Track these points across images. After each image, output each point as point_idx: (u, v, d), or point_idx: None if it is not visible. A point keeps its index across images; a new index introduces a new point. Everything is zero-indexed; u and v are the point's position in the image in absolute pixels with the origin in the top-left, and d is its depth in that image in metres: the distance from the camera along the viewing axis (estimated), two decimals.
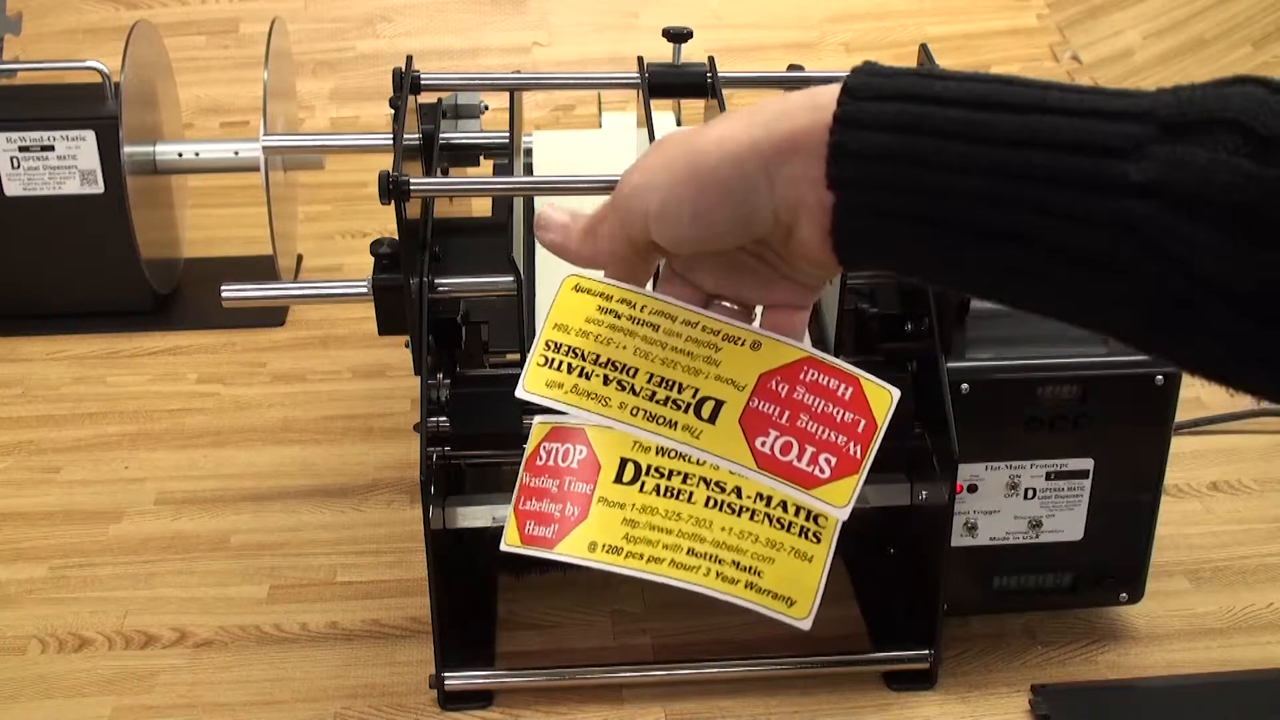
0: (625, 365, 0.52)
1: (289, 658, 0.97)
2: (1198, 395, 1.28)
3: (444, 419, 0.89)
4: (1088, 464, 0.91)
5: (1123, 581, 0.95)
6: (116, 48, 1.34)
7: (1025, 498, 0.91)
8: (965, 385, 0.87)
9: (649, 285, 0.54)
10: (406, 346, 0.90)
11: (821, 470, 0.52)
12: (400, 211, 0.83)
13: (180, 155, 1.40)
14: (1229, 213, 0.38)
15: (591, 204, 1.09)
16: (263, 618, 1.01)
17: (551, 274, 1.00)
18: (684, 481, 0.52)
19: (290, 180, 1.44)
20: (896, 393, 0.52)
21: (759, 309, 0.53)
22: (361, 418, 1.26)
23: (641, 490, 0.51)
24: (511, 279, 0.88)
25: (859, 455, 0.52)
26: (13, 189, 1.34)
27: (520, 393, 0.52)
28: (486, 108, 1.13)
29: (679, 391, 0.52)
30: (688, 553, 0.50)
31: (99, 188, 1.35)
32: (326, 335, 1.40)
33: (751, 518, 0.51)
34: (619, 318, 0.53)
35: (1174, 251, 0.39)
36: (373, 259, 0.91)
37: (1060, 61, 1.98)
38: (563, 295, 0.54)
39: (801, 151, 0.45)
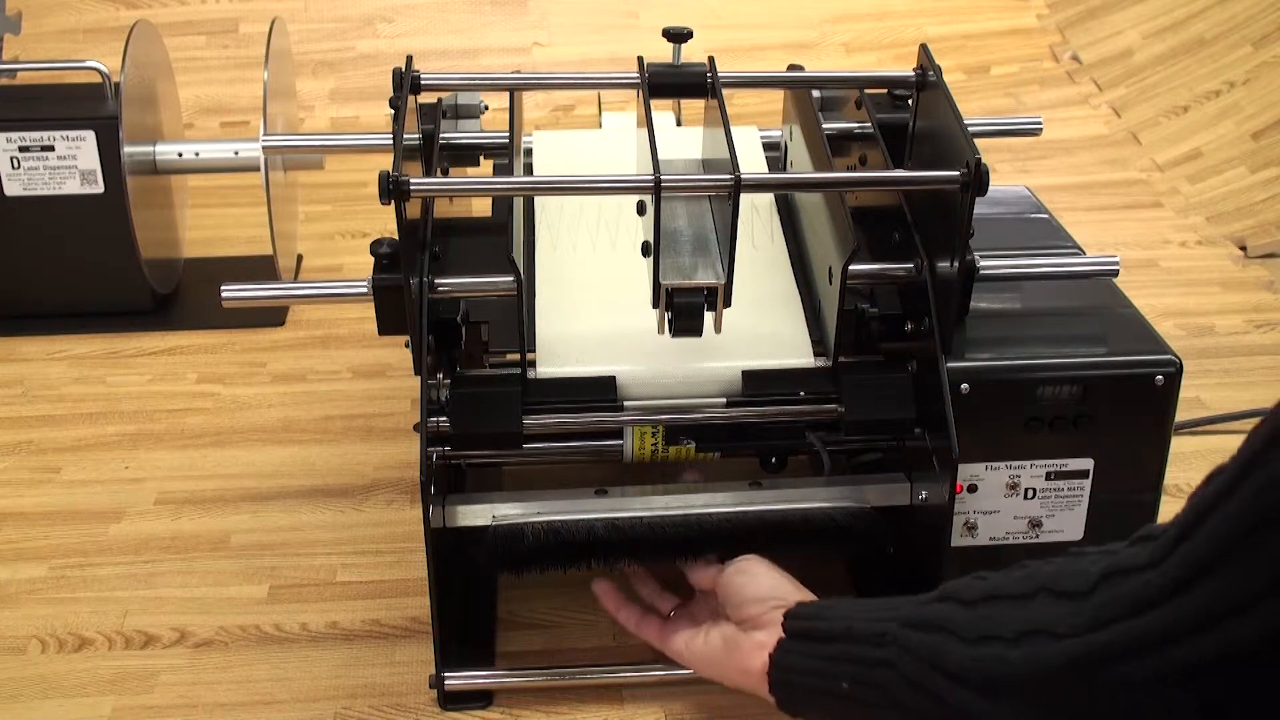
0: None
1: (289, 658, 0.97)
2: (1198, 395, 1.28)
3: (444, 419, 0.89)
4: (1088, 464, 0.91)
5: None
6: (116, 48, 1.34)
7: (1025, 498, 0.91)
8: (965, 385, 0.87)
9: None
10: (406, 346, 0.90)
11: None
12: (400, 211, 0.83)
13: (180, 155, 1.40)
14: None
15: (590, 204, 1.09)
16: (263, 618, 1.01)
17: (551, 274, 1.01)
18: None
19: (290, 180, 1.44)
20: None
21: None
22: (361, 418, 1.26)
23: None
24: (511, 279, 0.88)
25: None
26: (13, 189, 1.34)
27: None
28: (486, 108, 1.13)
29: None
30: None
31: (99, 188, 1.35)
32: (326, 335, 1.40)
33: None
34: None
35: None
36: (373, 259, 0.91)
37: (1060, 61, 1.98)
38: None
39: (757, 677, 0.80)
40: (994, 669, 0.64)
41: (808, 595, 0.84)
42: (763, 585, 0.85)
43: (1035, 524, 0.92)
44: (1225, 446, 1.20)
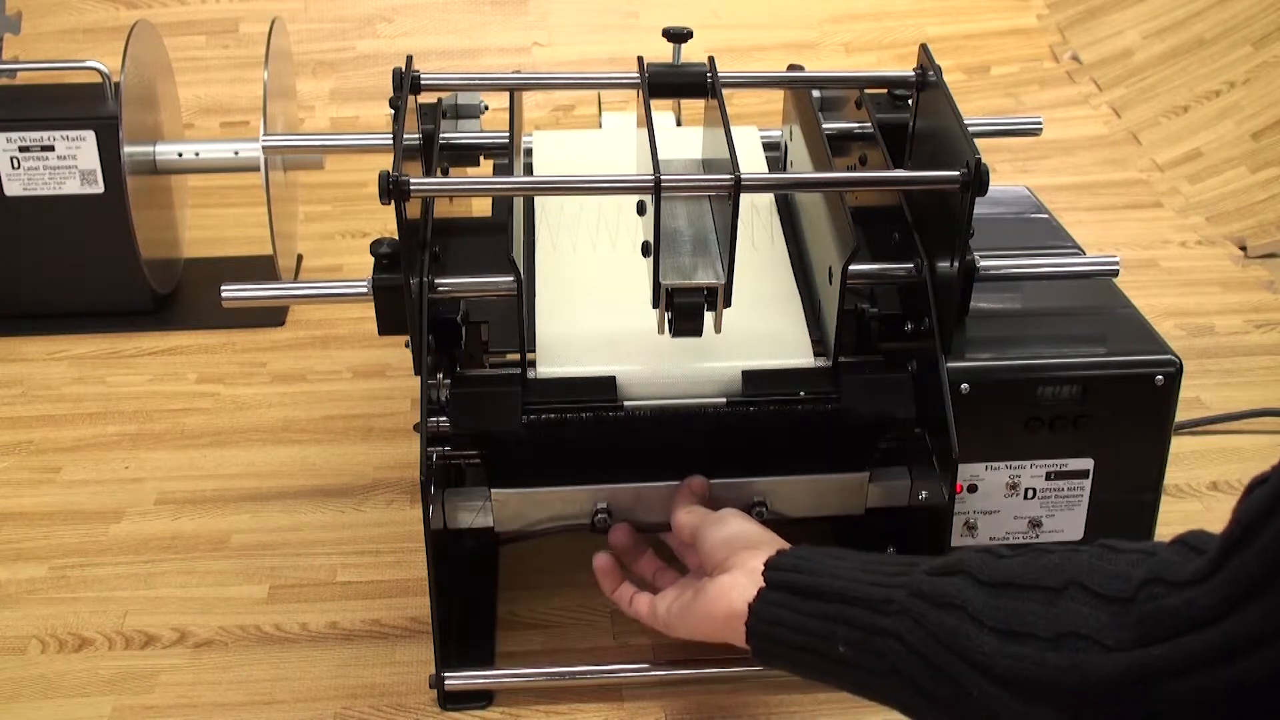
0: None
1: (289, 658, 0.97)
2: (1198, 395, 1.28)
3: (444, 419, 0.89)
4: (1088, 464, 0.91)
5: None
6: (116, 48, 1.34)
7: (1025, 498, 0.91)
8: (965, 385, 0.87)
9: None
10: (406, 346, 0.90)
11: None
12: (400, 211, 0.83)
13: (180, 155, 1.40)
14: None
15: (590, 204, 1.09)
16: (263, 618, 1.01)
17: (551, 274, 1.01)
18: None
19: (290, 180, 1.44)
20: None
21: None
22: (361, 418, 1.26)
23: None
24: (511, 279, 0.88)
25: None
26: (13, 189, 1.34)
27: None
28: (486, 108, 1.13)
29: None
30: None
31: (99, 188, 1.35)
32: (326, 335, 1.40)
33: None
34: None
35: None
36: (373, 259, 0.91)
37: (1060, 61, 1.98)
38: None
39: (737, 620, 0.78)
40: (1030, 672, 0.61)
41: (784, 545, 0.82)
42: (731, 529, 0.84)
43: (1035, 524, 0.92)
44: (1225, 446, 1.21)
